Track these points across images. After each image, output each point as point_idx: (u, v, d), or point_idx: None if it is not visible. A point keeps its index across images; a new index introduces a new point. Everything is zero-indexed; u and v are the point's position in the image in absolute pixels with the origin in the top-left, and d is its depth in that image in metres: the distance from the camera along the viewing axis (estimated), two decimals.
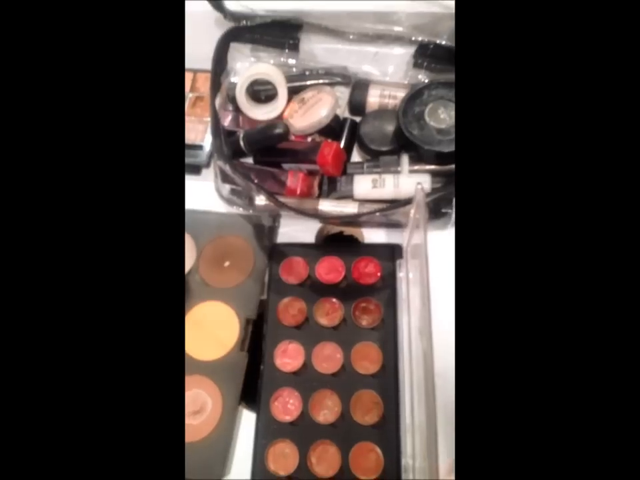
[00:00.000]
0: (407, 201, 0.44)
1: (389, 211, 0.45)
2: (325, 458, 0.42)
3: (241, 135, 0.51)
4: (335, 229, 0.55)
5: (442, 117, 0.49)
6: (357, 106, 0.55)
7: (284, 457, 0.42)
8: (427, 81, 0.52)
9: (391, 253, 0.50)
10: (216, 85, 0.51)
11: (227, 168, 0.48)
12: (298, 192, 0.50)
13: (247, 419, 0.45)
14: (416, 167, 0.50)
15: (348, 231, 0.55)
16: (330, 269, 0.50)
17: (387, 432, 0.43)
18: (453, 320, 0.45)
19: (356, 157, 0.55)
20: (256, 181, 0.48)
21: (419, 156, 0.50)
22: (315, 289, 0.49)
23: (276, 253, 0.51)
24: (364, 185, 0.50)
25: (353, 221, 0.49)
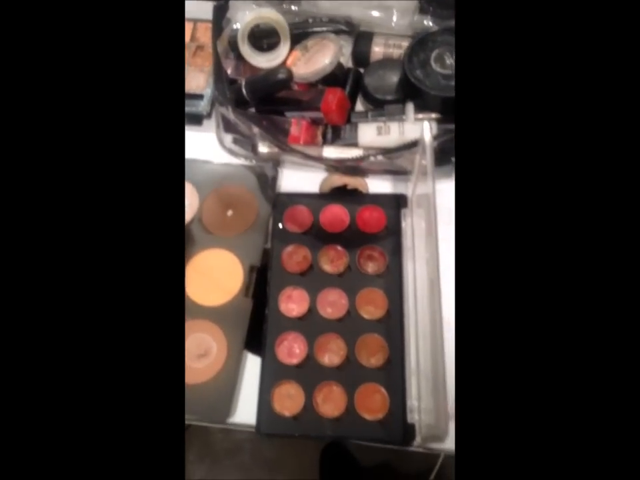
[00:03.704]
0: (413, 143, 0.44)
1: (395, 153, 0.45)
2: (331, 398, 0.42)
3: (243, 83, 0.50)
4: (338, 182, 0.55)
5: (448, 62, 0.48)
6: (361, 56, 0.54)
7: (289, 397, 0.42)
8: (433, 27, 0.51)
9: (396, 203, 0.50)
10: (217, 28, 0.50)
11: (230, 113, 0.47)
12: (301, 140, 0.49)
13: (253, 364, 0.45)
14: (421, 115, 0.50)
15: (352, 184, 0.55)
16: (334, 218, 0.49)
17: (393, 374, 0.43)
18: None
19: (360, 108, 0.55)
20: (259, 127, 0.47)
21: (424, 104, 0.49)
22: (319, 237, 0.49)
23: (279, 202, 0.51)
24: (369, 133, 0.49)
25: (358, 165, 0.49)
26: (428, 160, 0.40)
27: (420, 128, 0.47)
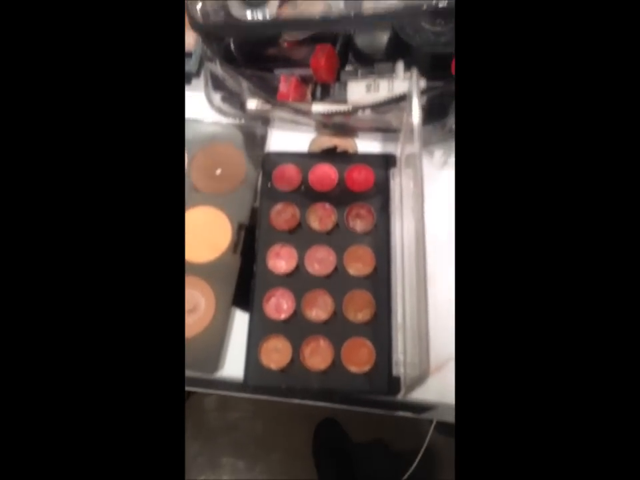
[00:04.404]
0: (402, 97, 0.43)
1: (383, 107, 0.44)
2: (318, 352, 0.42)
3: (232, 39, 0.50)
4: (328, 143, 0.54)
5: (437, 19, 0.48)
6: None
7: (277, 351, 0.43)
8: None
9: (385, 162, 0.50)
10: None
11: (218, 67, 0.46)
12: (290, 98, 0.49)
13: (241, 320, 0.45)
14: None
15: (341, 146, 0.54)
16: (323, 176, 0.49)
17: (379, 329, 0.43)
18: (443, 226, 0.45)
19: (350, 69, 0.54)
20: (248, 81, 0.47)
21: (413, 61, 0.49)
22: (307, 196, 0.49)
23: (268, 161, 0.50)
24: (358, 90, 0.49)
25: (347, 123, 0.48)
26: (414, 113, 0.39)
27: (408, 85, 0.47)
